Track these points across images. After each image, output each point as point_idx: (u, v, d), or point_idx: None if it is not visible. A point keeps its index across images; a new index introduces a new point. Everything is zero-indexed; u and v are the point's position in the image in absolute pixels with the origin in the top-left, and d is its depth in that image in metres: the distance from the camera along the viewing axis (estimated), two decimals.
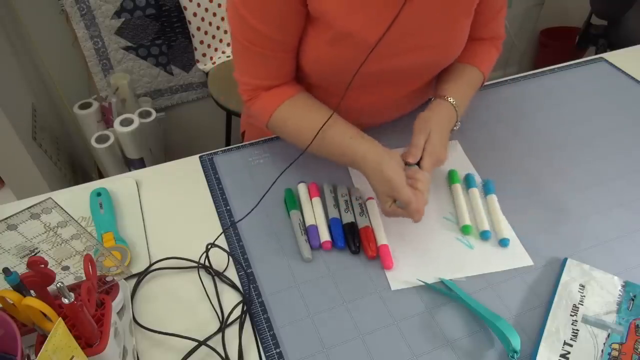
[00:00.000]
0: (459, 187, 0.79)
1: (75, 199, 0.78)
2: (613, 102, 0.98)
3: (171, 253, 0.70)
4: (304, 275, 0.69)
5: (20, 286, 0.46)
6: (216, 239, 0.72)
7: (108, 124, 1.63)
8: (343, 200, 0.77)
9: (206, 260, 0.70)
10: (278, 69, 0.76)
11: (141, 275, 0.69)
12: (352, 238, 0.72)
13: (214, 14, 1.63)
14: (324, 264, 0.70)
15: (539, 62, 2.50)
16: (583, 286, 0.66)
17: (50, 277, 0.48)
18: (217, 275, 0.69)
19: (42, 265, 0.47)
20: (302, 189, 0.79)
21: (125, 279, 0.61)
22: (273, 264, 0.70)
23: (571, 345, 0.60)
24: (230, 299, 0.66)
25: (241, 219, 0.75)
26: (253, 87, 0.78)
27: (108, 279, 0.58)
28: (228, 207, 0.78)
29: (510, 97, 0.99)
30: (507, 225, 0.75)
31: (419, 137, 0.74)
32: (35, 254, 0.51)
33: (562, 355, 0.59)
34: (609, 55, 1.11)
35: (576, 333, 0.61)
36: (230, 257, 0.71)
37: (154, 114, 1.66)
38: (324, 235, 0.72)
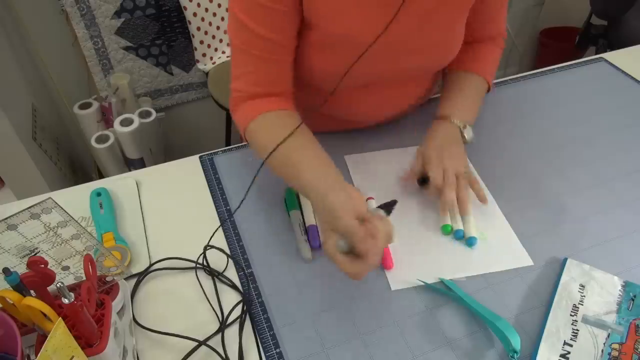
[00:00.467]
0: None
1: (75, 199, 0.78)
2: (613, 102, 0.98)
3: (171, 253, 0.70)
4: (304, 275, 0.69)
5: (20, 286, 0.46)
6: (212, 236, 0.72)
7: (108, 124, 1.63)
8: None
9: (205, 261, 0.70)
10: (273, 74, 0.74)
11: (141, 275, 0.69)
12: None
13: (214, 14, 1.63)
14: (324, 264, 0.70)
15: (539, 62, 2.50)
16: (583, 286, 0.66)
17: (50, 277, 0.48)
18: (216, 275, 0.69)
19: (42, 265, 0.47)
20: None
21: (125, 279, 0.61)
22: (273, 264, 0.70)
23: (571, 345, 0.60)
24: (230, 299, 0.66)
25: (236, 209, 0.75)
26: (245, 94, 0.75)
27: (108, 279, 0.58)
28: (228, 207, 0.78)
29: (510, 97, 0.99)
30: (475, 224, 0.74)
31: (415, 160, 0.75)
32: (35, 254, 0.51)
33: (562, 355, 0.59)
34: (609, 55, 1.11)
35: (576, 333, 0.61)
36: (229, 257, 0.71)
37: (154, 114, 1.66)
38: None
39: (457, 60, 0.83)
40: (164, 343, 0.62)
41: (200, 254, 0.70)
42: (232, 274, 0.69)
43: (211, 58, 1.70)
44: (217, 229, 0.74)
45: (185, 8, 1.55)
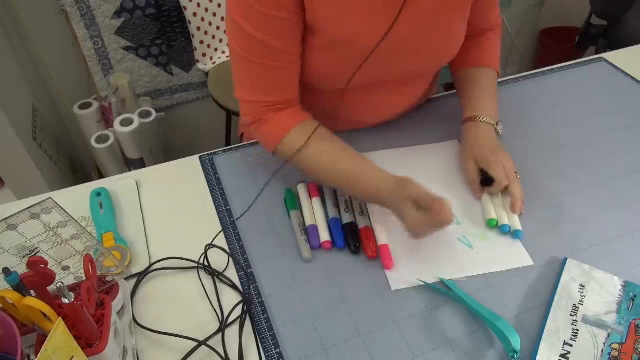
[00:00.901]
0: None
1: (75, 199, 0.78)
2: (613, 102, 0.98)
3: (171, 253, 0.70)
4: (304, 275, 0.69)
5: (20, 286, 0.46)
6: (214, 239, 0.72)
7: (108, 124, 1.63)
8: (343, 200, 0.77)
9: (205, 261, 0.70)
10: (286, 80, 0.74)
11: (141, 275, 0.69)
12: (352, 238, 0.72)
13: (214, 14, 1.63)
14: (324, 264, 0.70)
15: (539, 62, 2.50)
16: (583, 286, 0.66)
17: (50, 277, 0.48)
18: (217, 275, 0.69)
19: (42, 265, 0.47)
20: (302, 189, 0.79)
21: (125, 279, 0.61)
22: (273, 264, 0.70)
23: (571, 345, 0.60)
24: (230, 299, 0.66)
25: (239, 217, 0.75)
26: (261, 106, 0.75)
27: (108, 279, 0.58)
28: (228, 207, 0.78)
29: (510, 97, 0.99)
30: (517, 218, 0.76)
31: (468, 165, 0.78)
32: (35, 254, 0.51)
33: (562, 355, 0.59)
34: (609, 55, 1.11)
35: (576, 333, 0.61)
36: (230, 257, 0.71)
37: (154, 114, 1.65)
38: (324, 235, 0.72)
39: (465, 57, 0.84)
40: (164, 343, 0.62)
41: (202, 254, 0.70)
42: (232, 274, 0.69)
43: (211, 58, 1.70)
44: (219, 232, 0.74)
45: (185, 8, 1.55)
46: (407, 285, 0.68)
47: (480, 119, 0.81)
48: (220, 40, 1.70)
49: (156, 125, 1.72)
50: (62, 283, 0.46)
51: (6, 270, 0.45)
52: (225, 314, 0.65)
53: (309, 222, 0.74)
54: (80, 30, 1.55)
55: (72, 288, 0.53)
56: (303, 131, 0.74)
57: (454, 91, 0.95)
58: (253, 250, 0.72)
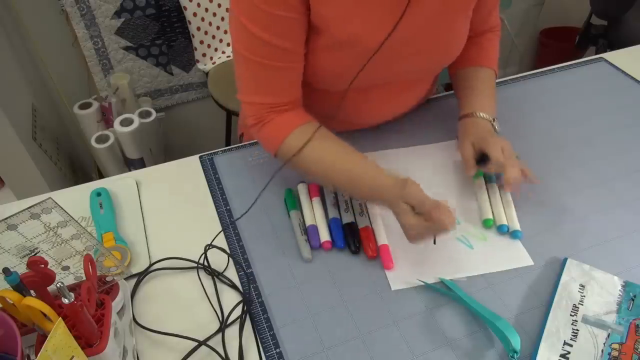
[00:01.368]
0: (482, 181, 0.80)
1: (75, 199, 0.78)
2: (613, 102, 0.98)
3: (171, 253, 0.70)
4: (304, 275, 0.69)
5: (20, 286, 0.46)
6: (214, 239, 0.72)
7: (108, 124, 1.63)
8: (343, 200, 0.77)
9: (205, 261, 0.70)
10: (290, 81, 0.74)
11: (141, 275, 0.69)
12: (352, 238, 0.72)
13: (214, 14, 1.63)
14: (324, 264, 0.70)
15: (539, 62, 2.50)
16: (583, 286, 0.66)
17: (50, 277, 0.48)
18: (217, 275, 0.69)
19: (42, 265, 0.47)
20: (302, 189, 0.79)
21: (125, 279, 0.61)
22: (273, 264, 0.70)
23: (571, 345, 0.60)
24: (230, 299, 0.66)
25: (239, 218, 0.75)
26: (263, 108, 0.74)
27: (108, 279, 0.58)
28: (228, 207, 0.78)
29: (510, 97, 0.99)
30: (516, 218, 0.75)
31: (465, 145, 0.76)
32: (35, 254, 0.51)
33: (562, 355, 0.59)
34: (609, 55, 1.11)
35: (576, 333, 0.61)
36: (230, 257, 0.71)
37: (154, 114, 1.65)
38: (324, 235, 0.72)
39: (464, 57, 0.84)
40: (164, 343, 0.62)
41: (202, 254, 0.70)
42: (232, 274, 0.69)
43: (211, 58, 1.70)
44: (219, 232, 0.74)
45: (185, 8, 1.55)
46: (407, 285, 0.68)
47: (478, 114, 0.80)
48: (220, 40, 1.70)
49: (156, 125, 1.72)
50: (62, 283, 0.46)
51: (6, 270, 0.45)
52: (225, 314, 0.65)
53: (309, 222, 0.74)
54: (80, 30, 1.55)
55: (72, 288, 0.53)
56: (305, 132, 0.73)
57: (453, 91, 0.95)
58: (253, 250, 0.72)
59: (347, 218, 0.74)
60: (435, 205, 0.63)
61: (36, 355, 0.45)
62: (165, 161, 0.86)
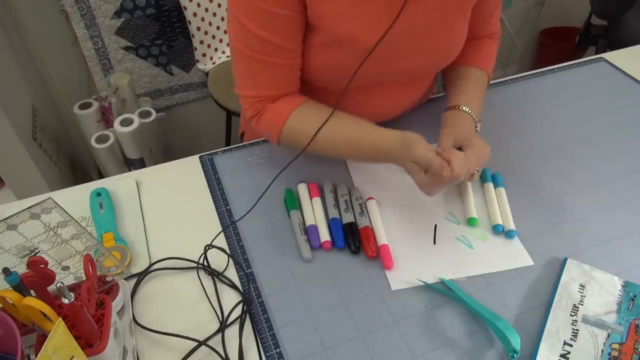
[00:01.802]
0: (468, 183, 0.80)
1: (75, 199, 0.78)
2: (613, 102, 0.98)
3: (171, 253, 0.70)
4: (304, 275, 0.69)
5: (20, 286, 0.46)
6: (214, 239, 0.72)
7: (108, 124, 1.63)
8: (343, 200, 0.77)
9: (205, 261, 0.70)
10: (287, 76, 0.75)
11: (141, 275, 0.69)
12: (352, 238, 0.72)
13: (214, 14, 1.63)
14: (324, 264, 0.70)
15: (539, 62, 2.50)
16: (583, 286, 0.66)
17: (50, 277, 0.48)
18: (217, 275, 0.69)
19: (42, 265, 0.47)
20: (302, 189, 0.79)
21: (125, 279, 0.61)
22: (273, 264, 0.70)
23: (571, 345, 0.60)
24: (230, 299, 0.66)
25: (239, 219, 0.75)
26: (260, 99, 0.76)
27: (108, 279, 0.58)
28: (228, 207, 0.78)
29: (510, 97, 0.99)
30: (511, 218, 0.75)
31: (444, 138, 0.74)
32: (35, 254, 0.51)
33: (562, 355, 0.59)
34: (609, 55, 1.11)
35: (576, 333, 0.61)
36: (230, 257, 0.71)
37: (154, 114, 1.65)
38: (324, 235, 0.72)
39: (460, 55, 0.84)
40: (164, 343, 0.62)
41: (202, 254, 0.70)
42: (232, 274, 0.69)
43: (211, 58, 1.70)
44: (220, 232, 0.74)
45: (185, 8, 1.55)
46: (407, 285, 0.68)
47: (463, 108, 0.79)
48: (220, 40, 1.70)
49: (156, 125, 1.72)
50: (62, 283, 0.46)
51: (6, 270, 0.45)
52: (225, 314, 0.65)
53: (309, 222, 0.74)
54: (80, 30, 1.55)
55: (72, 288, 0.53)
56: (302, 115, 0.75)
57: None
58: (253, 250, 0.72)
59: (347, 218, 0.74)
60: (442, 165, 0.64)
61: (36, 355, 0.45)
62: (165, 161, 0.86)
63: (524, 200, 0.79)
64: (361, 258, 0.71)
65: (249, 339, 0.62)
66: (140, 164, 1.63)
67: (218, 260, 0.70)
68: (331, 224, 0.74)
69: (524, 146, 0.88)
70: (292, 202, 0.77)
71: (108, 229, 0.73)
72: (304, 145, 0.75)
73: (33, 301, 0.45)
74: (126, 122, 1.54)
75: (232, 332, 0.63)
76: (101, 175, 1.74)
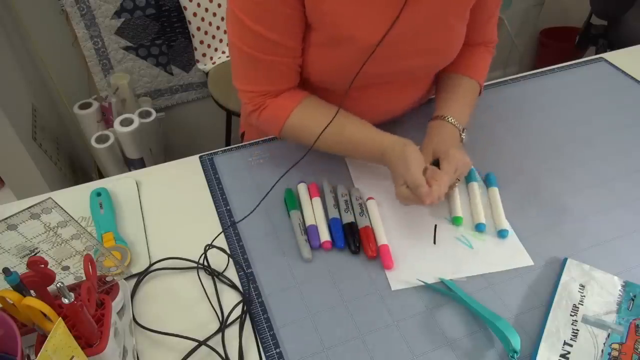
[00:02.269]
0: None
1: (75, 199, 0.78)
2: (613, 102, 0.98)
3: (171, 253, 0.70)
4: (304, 275, 0.69)
5: (20, 286, 0.46)
6: (214, 240, 0.72)
7: (108, 124, 1.63)
8: (343, 200, 0.77)
9: (205, 261, 0.70)
10: (284, 73, 0.76)
11: (141, 275, 0.69)
12: (352, 238, 0.72)
13: (214, 14, 1.63)
14: (324, 264, 0.70)
15: (539, 62, 2.50)
16: (583, 286, 0.66)
17: (50, 277, 0.48)
18: (217, 275, 0.69)
19: (42, 265, 0.47)
20: (302, 189, 0.79)
21: (125, 279, 0.61)
22: (273, 264, 0.70)
23: (571, 345, 0.60)
24: (230, 299, 0.66)
25: (240, 220, 0.75)
26: (260, 94, 0.77)
27: (108, 279, 0.58)
28: (228, 207, 0.78)
29: (510, 97, 0.99)
30: (504, 218, 0.75)
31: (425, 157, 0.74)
32: (35, 254, 0.51)
33: (562, 355, 0.59)
34: (609, 55, 1.11)
35: (576, 333, 0.61)
36: (230, 257, 0.71)
37: (154, 114, 1.66)
38: (324, 235, 0.72)
39: (453, 62, 0.84)
40: (164, 343, 0.62)
41: (202, 254, 0.70)
42: (232, 274, 0.69)
43: (211, 58, 1.70)
44: (220, 233, 0.74)
45: (185, 8, 1.55)
46: (407, 285, 0.68)
47: (448, 119, 0.80)
48: (220, 40, 1.70)
49: (156, 125, 1.72)
50: (62, 283, 0.46)
51: (6, 270, 0.45)
52: (225, 314, 0.65)
53: (309, 222, 0.74)
54: (80, 30, 1.55)
55: (72, 288, 0.53)
56: (305, 112, 0.77)
57: None
58: (253, 250, 0.72)
59: (347, 218, 0.74)
60: (428, 194, 0.67)
61: (36, 355, 0.45)
62: (165, 161, 0.86)
63: (523, 200, 0.79)
64: (361, 258, 0.71)
65: (249, 339, 0.62)
66: (140, 164, 1.63)
67: (218, 260, 0.70)
68: (331, 224, 0.74)
69: (524, 146, 0.88)
70: (292, 202, 0.77)
71: (108, 229, 0.73)
72: (305, 141, 0.77)
73: (33, 301, 0.45)
74: (126, 122, 1.54)
75: (232, 332, 0.63)
76: (101, 175, 1.74)
